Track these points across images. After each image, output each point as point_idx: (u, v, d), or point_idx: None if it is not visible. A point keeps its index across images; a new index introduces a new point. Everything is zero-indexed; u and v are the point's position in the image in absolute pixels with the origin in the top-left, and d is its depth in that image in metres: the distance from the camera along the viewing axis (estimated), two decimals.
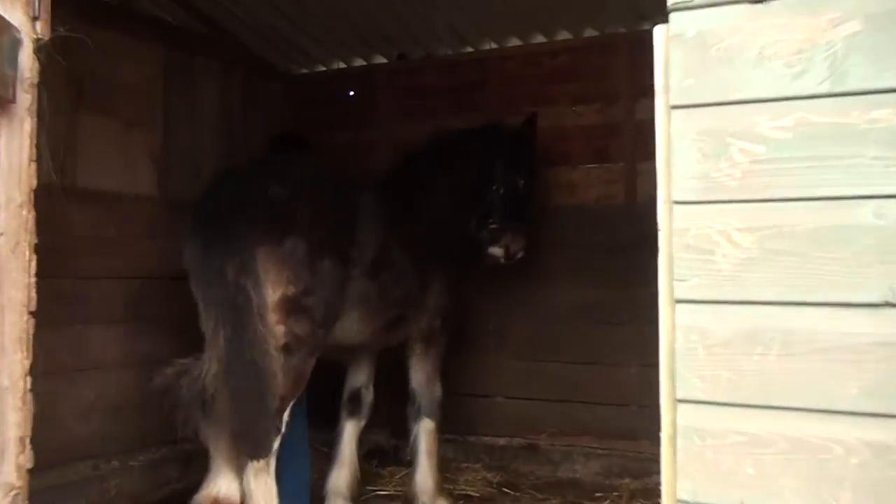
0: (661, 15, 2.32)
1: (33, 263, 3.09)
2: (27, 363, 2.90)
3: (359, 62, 7.81)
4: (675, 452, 2.16)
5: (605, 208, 6.76)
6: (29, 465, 2.85)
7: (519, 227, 5.69)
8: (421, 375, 5.57)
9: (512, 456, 6.77)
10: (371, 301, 4.77)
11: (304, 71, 8.05)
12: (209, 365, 4.11)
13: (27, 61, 2.99)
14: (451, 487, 6.15)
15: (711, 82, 2.17)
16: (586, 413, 6.61)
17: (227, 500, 4.30)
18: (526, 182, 5.74)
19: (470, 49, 7.34)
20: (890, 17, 1.97)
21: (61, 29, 3.24)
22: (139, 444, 6.18)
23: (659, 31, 2.29)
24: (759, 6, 2.10)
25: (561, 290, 6.74)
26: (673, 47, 2.21)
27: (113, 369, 6.16)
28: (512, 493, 6.21)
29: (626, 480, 6.32)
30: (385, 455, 6.85)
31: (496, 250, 5.68)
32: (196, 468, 4.81)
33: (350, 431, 5.62)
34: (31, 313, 3.08)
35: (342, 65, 7.90)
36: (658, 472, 5.90)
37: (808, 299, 2.05)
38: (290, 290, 4.20)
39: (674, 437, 2.18)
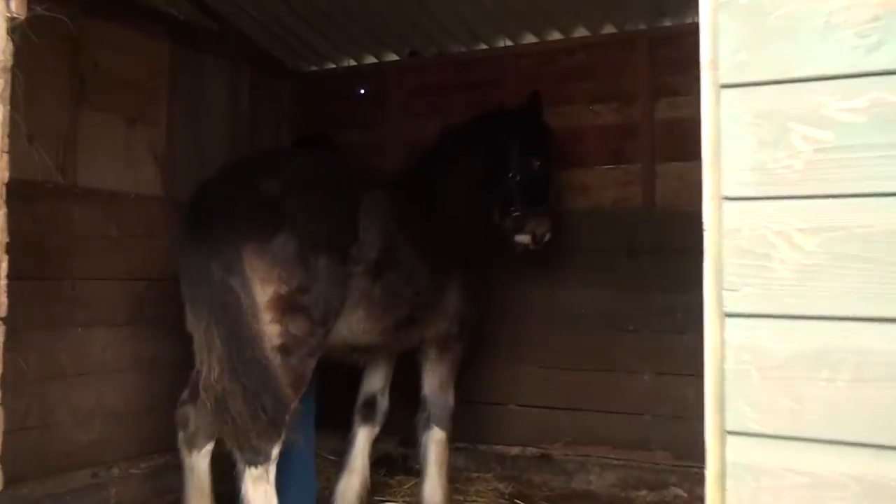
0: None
1: (4, 265, 2.73)
2: None
3: (370, 59, 7.52)
4: (723, 494, 1.77)
5: (622, 211, 6.47)
6: None
7: (542, 209, 5.44)
8: (434, 382, 5.26)
9: (525, 466, 6.47)
10: (376, 300, 4.50)
11: (314, 68, 7.77)
12: (210, 368, 3.92)
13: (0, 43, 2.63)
14: (461, 499, 5.90)
15: (769, 56, 1.79)
16: (601, 422, 6.33)
17: None
18: (541, 163, 5.47)
19: (484, 46, 7.04)
20: None
21: (39, 8, 2.89)
22: (140, 452, 5.91)
23: None
24: None
25: (575, 296, 6.46)
26: (723, 15, 1.84)
27: (114, 373, 5.91)
28: None
29: (643, 493, 6.04)
30: (394, 464, 6.56)
31: (523, 237, 5.41)
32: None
33: (362, 438, 5.38)
34: (1, 319, 2.72)
35: (353, 62, 7.61)
36: (676, 485, 5.44)
37: (885, 314, 1.67)
38: (283, 289, 3.98)
39: (722, 476, 1.78)
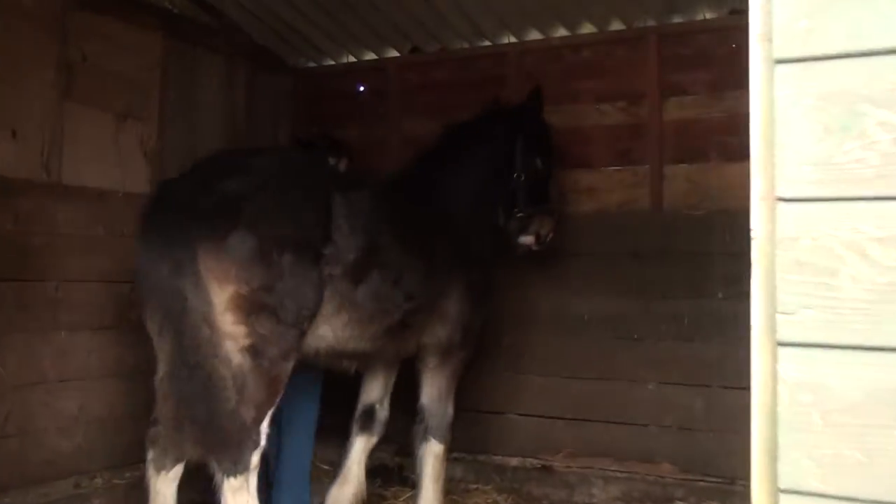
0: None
1: None
2: None
3: (370, 56, 7.20)
4: None
5: (628, 215, 6.16)
6: None
7: (545, 209, 5.32)
8: (433, 392, 4.94)
9: (525, 477, 6.12)
10: (359, 304, 4.20)
11: (313, 65, 7.45)
12: (158, 371, 3.79)
13: None
14: None
15: (837, 24, 1.40)
16: (604, 433, 6.02)
17: None
18: (544, 161, 5.31)
19: (487, 42, 6.71)
20: None
21: None
22: (125, 461, 5.54)
23: None
24: None
25: (578, 302, 6.15)
26: None
27: (98, 379, 5.60)
28: None
29: None
30: (390, 474, 6.23)
31: (527, 238, 5.29)
32: (187, 487, 4.23)
33: (359, 448, 5.12)
34: None
35: (352, 58, 7.29)
36: (681, 499, 4.97)
37: None
38: (244, 288, 3.73)
39: None
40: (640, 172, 6.13)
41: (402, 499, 5.75)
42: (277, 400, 3.84)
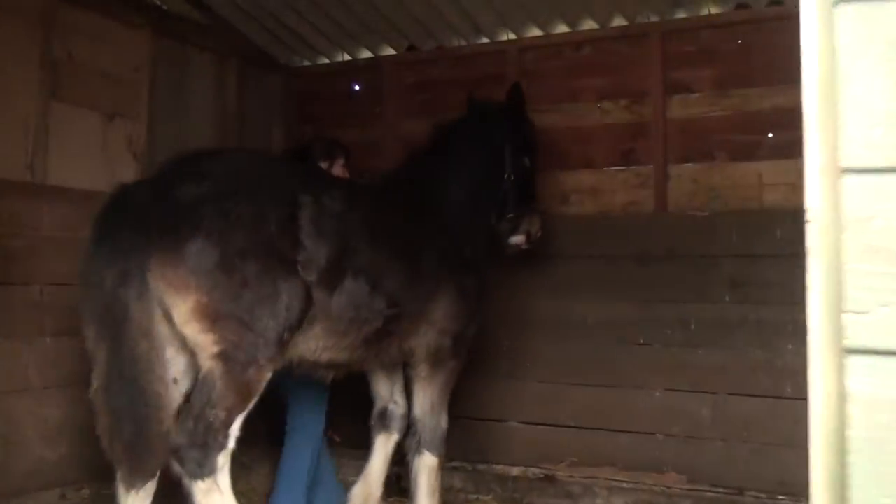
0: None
1: None
2: None
3: (365, 54, 6.97)
4: None
5: (632, 216, 5.95)
6: None
7: (532, 208, 5.21)
8: (425, 403, 4.67)
9: (526, 487, 5.84)
10: (334, 313, 3.97)
11: (307, 63, 7.23)
12: (93, 383, 3.60)
13: None
14: None
15: None
16: (609, 441, 5.76)
17: None
18: (530, 159, 5.19)
19: (486, 40, 6.47)
20: None
21: None
22: (113, 471, 5.20)
23: None
24: None
25: (581, 306, 5.91)
26: None
27: (85, 386, 5.23)
28: None
29: None
30: (387, 484, 5.82)
31: (517, 238, 5.16)
32: (175, 498, 3.97)
33: (380, 446, 5.00)
34: None
35: (347, 57, 7.06)
36: None
37: None
38: (204, 298, 3.54)
39: None
40: (643, 173, 5.92)
41: None
42: (250, 405, 3.66)
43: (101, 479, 5.21)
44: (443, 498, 4.94)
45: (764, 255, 5.32)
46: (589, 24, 6.11)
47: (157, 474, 3.73)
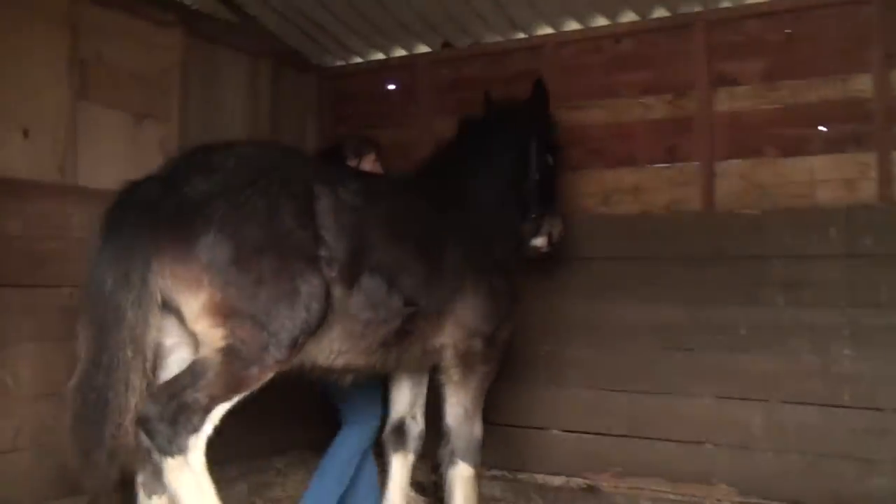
0: None
1: None
2: None
3: (399, 52, 6.86)
4: None
5: (677, 215, 5.78)
6: None
7: (555, 207, 5.03)
8: (457, 410, 4.42)
9: (569, 498, 5.68)
10: (351, 313, 3.80)
11: (340, 63, 7.16)
12: (73, 378, 3.45)
13: None
14: None
15: None
16: (654, 451, 5.58)
17: None
18: (554, 159, 5.02)
19: (522, 35, 6.32)
20: None
21: None
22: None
23: None
24: None
25: (625, 310, 5.74)
26: None
27: None
28: None
29: None
30: (425, 492, 5.72)
31: (540, 241, 4.96)
32: None
33: (397, 467, 4.72)
34: None
35: (381, 56, 6.97)
36: None
37: None
38: (218, 294, 3.40)
39: None
40: (688, 170, 5.74)
41: None
42: (236, 399, 3.48)
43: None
44: None
45: (817, 255, 5.12)
46: (629, 16, 5.96)
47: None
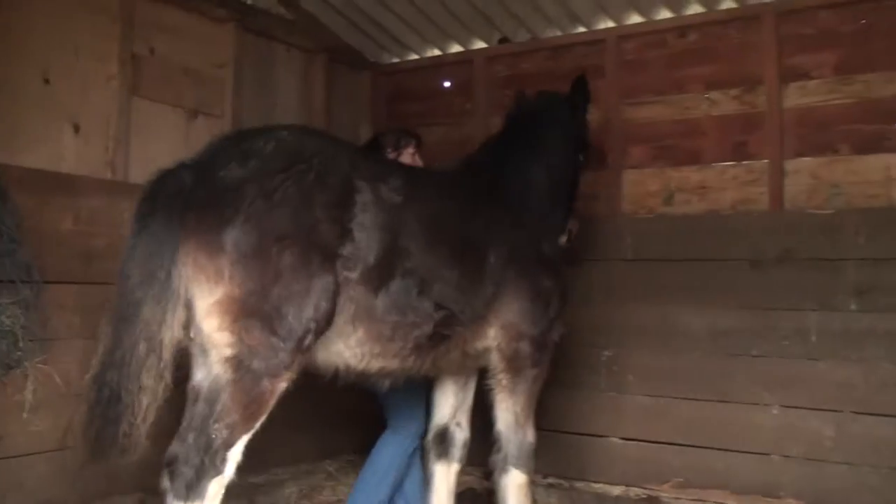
0: None
1: None
2: None
3: (455, 48, 6.71)
4: None
5: (744, 216, 5.54)
6: None
7: (575, 206, 4.84)
8: (508, 416, 4.21)
9: None
10: (378, 315, 3.60)
11: (395, 60, 7.04)
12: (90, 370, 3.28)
13: None
14: None
15: None
16: (718, 461, 5.34)
17: None
18: (583, 157, 4.88)
19: (582, 29, 6.13)
20: None
21: None
22: None
23: None
24: None
25: (688, 314, 5.53)
26: None
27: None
28: None
29: None
30: (478, 500, 5.56)
31: (562, 238, 4.75)
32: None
33: (440, 477, 4.47)
34: None
35: (437, 52, 6.82)
36: None
37: None
38: (236, 291, 3.20)
39: None
40: (757, 168, 5.53)
41: None
42: (257, 424, 3.29)
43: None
44: None
45: (893, 257, 4.85)
46: (694, 8, 5.75)
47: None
